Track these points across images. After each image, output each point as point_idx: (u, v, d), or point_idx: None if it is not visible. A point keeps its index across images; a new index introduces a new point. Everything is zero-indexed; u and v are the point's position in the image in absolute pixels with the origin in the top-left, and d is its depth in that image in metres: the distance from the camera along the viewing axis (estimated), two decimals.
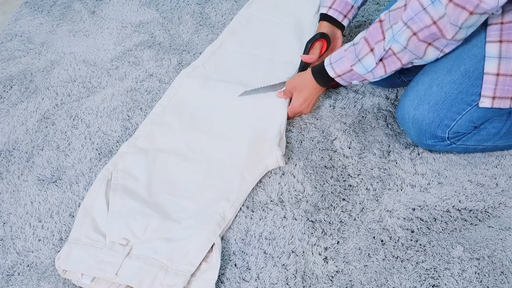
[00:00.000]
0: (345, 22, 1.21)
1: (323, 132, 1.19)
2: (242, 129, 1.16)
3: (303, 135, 1.19)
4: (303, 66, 1.22)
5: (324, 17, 1.22)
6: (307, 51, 1.20)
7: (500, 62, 0.95)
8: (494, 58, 0.95)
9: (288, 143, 1.18)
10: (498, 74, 0.96)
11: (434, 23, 0.90)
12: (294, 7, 1.49)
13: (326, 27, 1.21)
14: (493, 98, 0.98)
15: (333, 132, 1.19)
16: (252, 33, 1.41)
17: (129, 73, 1.39)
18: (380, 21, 0.99)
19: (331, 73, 1.08)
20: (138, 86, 1.34)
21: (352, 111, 1.23)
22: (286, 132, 1.19)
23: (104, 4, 1.63)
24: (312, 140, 1.18)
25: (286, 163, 1.13)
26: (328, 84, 1.13)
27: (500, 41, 0.95)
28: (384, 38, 0.97)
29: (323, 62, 1.10)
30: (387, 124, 1.20)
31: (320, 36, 1.19)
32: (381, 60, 0.99)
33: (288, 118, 1.20)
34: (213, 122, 1.19)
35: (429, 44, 0.95)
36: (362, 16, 1.49)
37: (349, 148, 1.16)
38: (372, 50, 1.00)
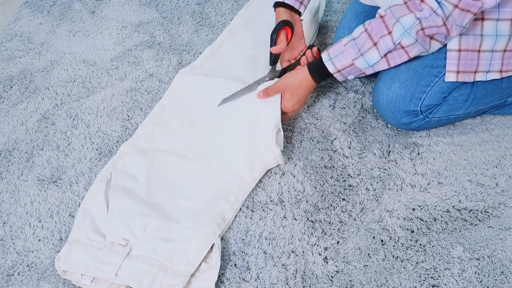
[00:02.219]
0: (301, 9, 1.21)
1: (323, 132, 1.19)
2: (240, 128, 1.16)
3: (303, 135, 1.19)
4: (273, 59, 1.18)
5: (280, 3, 1.19)
6: (273, 42, 1.17)
7: (461, 39, 1.03)
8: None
9: (288, 143, 1.17)
10: (460, 50, 1.04)
11: (444, 24, 0.97)
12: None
13: (284, 14, 1.19)
14: (457, 72, 1.06)
15: (333, 132, 1.19)
16: (252, 34, 1.41)
17: (129, 73, 1.39)
18: (381, 16, 1.01)
19: (331, 69, 1.07)
20: (138, 86, 1.34)
21: (352, 111, 1.23)
22: (286, 132, 1.19)
23: (104, 4, 1.63)
24: (312, 140, 1.18)
25: (286, 163, 1.13)
26: (323, 80, 1.13)
27: None
28: (389, 32, 0.99)
29: (320, 58, 1.09)
30: (387, 124, 1.20)
31: (283, 24, 1.16)
32: (385, 54, 1.01)
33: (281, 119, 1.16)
34: (212, 122, 1.19)
35: (431, 38, 1.01)
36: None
37: (349, 148, 1.16)
38: (375, 44, 1.01)
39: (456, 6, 0.94)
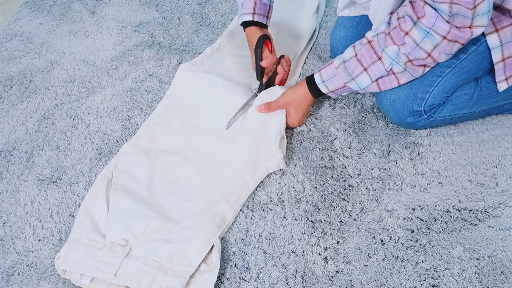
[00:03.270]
0: (268, 23, 1.24)
1: (323, 132, 1.19)
2: (244, 130, 1.16)
3: (303, 135, 1.19)
4: (261, 73, 1.20)
5: (249, 23, 1.21)
6: (259, 57, 1.19)
7: (503, 49, 1.04)
8: None
9: (288, 143, 1.18)
10: (504, 59, 1.05)
11: (429, 55, 0.99)
12: (292, 7, 1.49)
13: (257, 31, 1.21)
14: (506, 79, 1.07)
15: (333, 132, 1.19)
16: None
17: (129, 73, 1.39)
18: (369, 42, 1.04)
19: (324, 90, 1.12)
20: (138, 86, 1.34)
21: (352, 111, 1.23)
22: (285, 132, 1.19)
23: (104, 4, 1.63)
24: (312, 140, 1.18)
25: (286, 164, 1.13)
26: (320, 96, 1.16)
27: None
28: (379, 58, 1.03)
29: (313, 78, 1.12)
30: (387, 124, 1.20)
31: (263, 38, 1.18)
32: (377, 79, 1.06)
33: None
34: (215, 123, 1.19)
35: (424, 66, 1.03)
36: None
37: (349, 148, 1.16)
38: (365, 69, 1.05)
39: (444, 38, 0.95)
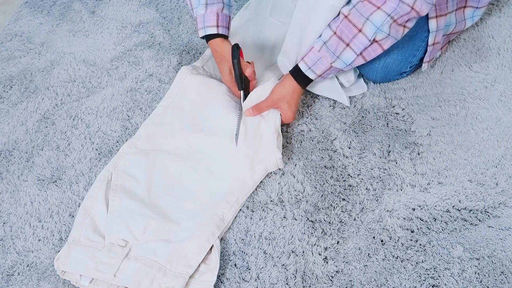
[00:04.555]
0: (229, 34, 1.24)
1: (323, 132, 1.19)
2: (242, 131, 1.16)
3: (303, 135, 1.19)
4: (241, 83, 1.18)
5: (215, 36, 1.20)
6: (238, 67, 1.16)
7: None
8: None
9: (288, 143, 1.17)
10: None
11: (412, 8, 0.99)
12: (291, 7, 1.48)
13: (223, 42, 1.20)
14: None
15: (333, 132, 1.19)
16: (251, 35, 1.41)
17: (129, 73, 1.39)
18: (346, 16, 1.03)
19: (312, 76, 1.12)
20: (138, 86, 1.34)
21: (352, 111, 1.23)
22: (285, 132, 1.19)
23: (104, 4, 1.63)
24: (312, 140, 1.18)
25: (286, 163, 1.13)
26: (308, 84, 1.16)
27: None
28: (359, 30, 1.02)
29: (297, 67, 1.12)
30: (387, 124, 1.20)
31: (237, 48, 1.17)
32: (361, 52, 1.05)
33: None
34: (215, 124, 1.18)
35: (404, 26, 1.05)
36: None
37: (349, 148, 1.16)
38: (347, 45, 1.04)
39: None
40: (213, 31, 1.19)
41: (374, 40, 1.03)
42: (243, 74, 1.17)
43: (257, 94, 1.18)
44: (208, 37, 1.21)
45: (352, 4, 1.02)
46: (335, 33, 1.05)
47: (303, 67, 1.11)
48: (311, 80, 1.13)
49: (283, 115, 1.16)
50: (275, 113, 1.15)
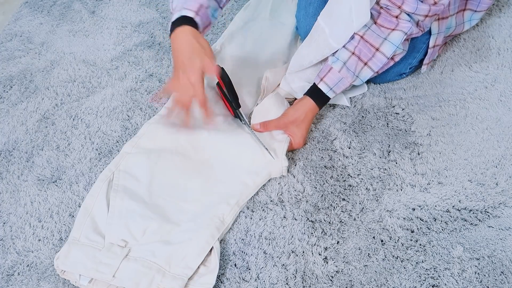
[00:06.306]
0: (202, 35, 1.08)
1: (323, 132, 1.19)
2: (248, 135, 1.16)
3: None
4: (236, 104, 1.17)
5: (186, 22, 1.03)
6: (231, 86, 1.16)
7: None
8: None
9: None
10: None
11: (422, 29, 1.12)
12: (290, 6, 1.48)
13: (196, 35, 1.04)
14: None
15: (333, 132, 1.19)
16: (251, 35, 1.41)
17: (129, 73, 1.39)
18: (361, 37, 1.10)
19: (332, 95, 1.15)
20: (138, 86, 1.34)
21: (352, 111, 1.23)
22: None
23: (104, 4, 1.63)
24: (312, 140, 1.18)
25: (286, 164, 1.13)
26: (325, 103, 1.18)
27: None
28: (377, 49, 1.10)
29: (317, 88, 1.14)
30: (387, 124, 1.20)
31: (223, 69, 1.16)
32: (378, 70, 1.14)
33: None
34: (218, 124, 1.18)
35: (408, 39, 1.15)
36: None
37: (349, 148, 1.16)
38: (366, 64, 1.12)
39: (426, 16, 1.08)
40: (191, 14, 1.03)
41: (392, 58, 1.14)
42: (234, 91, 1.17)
43: (263, 108, 1.20)
44: (180, 23, 1.03)
45: (367, 26, 1.09)
46: (353, 53, 1.10)
47: (324, 89, 1.13)
48: (329, 99, 1.16)
49: (295, 140, 1.14)
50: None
